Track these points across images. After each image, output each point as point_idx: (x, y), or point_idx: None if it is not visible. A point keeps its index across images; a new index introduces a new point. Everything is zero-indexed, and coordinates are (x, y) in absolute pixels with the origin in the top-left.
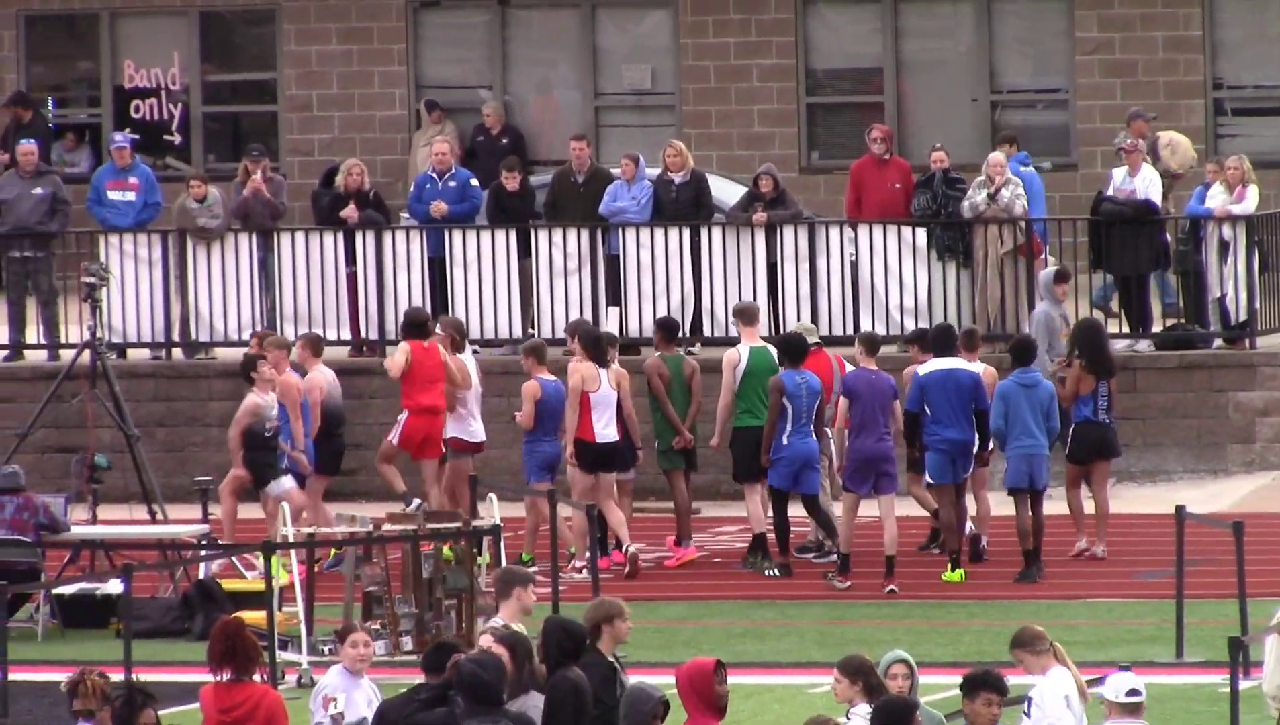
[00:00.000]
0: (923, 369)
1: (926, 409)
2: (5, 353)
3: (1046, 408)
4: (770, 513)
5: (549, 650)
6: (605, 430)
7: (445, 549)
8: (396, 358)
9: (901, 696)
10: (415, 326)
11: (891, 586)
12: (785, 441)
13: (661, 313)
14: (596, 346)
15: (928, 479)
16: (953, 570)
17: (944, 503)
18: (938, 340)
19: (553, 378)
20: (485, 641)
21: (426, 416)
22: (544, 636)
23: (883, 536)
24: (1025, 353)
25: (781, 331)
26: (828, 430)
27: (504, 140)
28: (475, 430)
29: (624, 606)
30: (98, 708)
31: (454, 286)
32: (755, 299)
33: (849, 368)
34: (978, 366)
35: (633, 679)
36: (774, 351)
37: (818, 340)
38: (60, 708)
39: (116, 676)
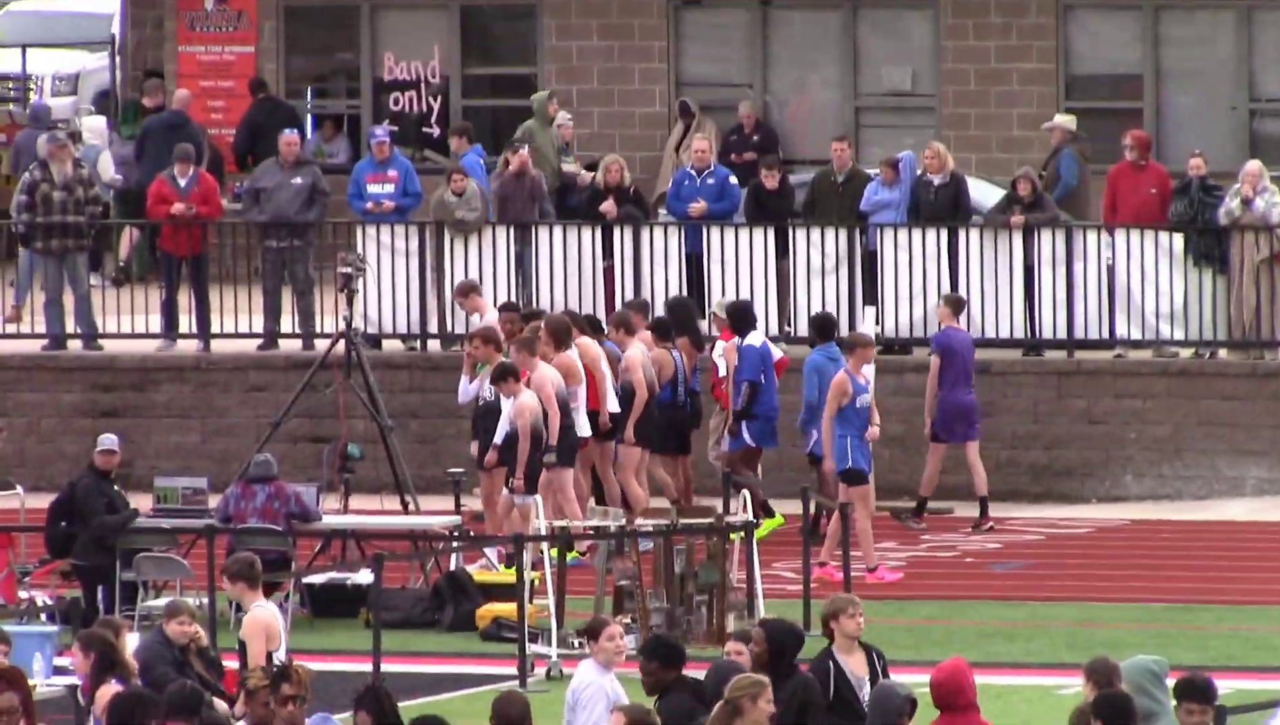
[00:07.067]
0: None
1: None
2: (260, 342)
3: None
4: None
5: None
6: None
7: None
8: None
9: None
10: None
11: (989, 524)
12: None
13: (919, 312)
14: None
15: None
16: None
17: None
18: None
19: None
20: (732, 648)
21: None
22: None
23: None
24: (827, 328)
25: (1038, 335)
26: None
27: (755, 137)
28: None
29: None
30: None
31: (710, 283)
32: (1011, 301)
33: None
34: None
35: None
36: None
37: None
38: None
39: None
